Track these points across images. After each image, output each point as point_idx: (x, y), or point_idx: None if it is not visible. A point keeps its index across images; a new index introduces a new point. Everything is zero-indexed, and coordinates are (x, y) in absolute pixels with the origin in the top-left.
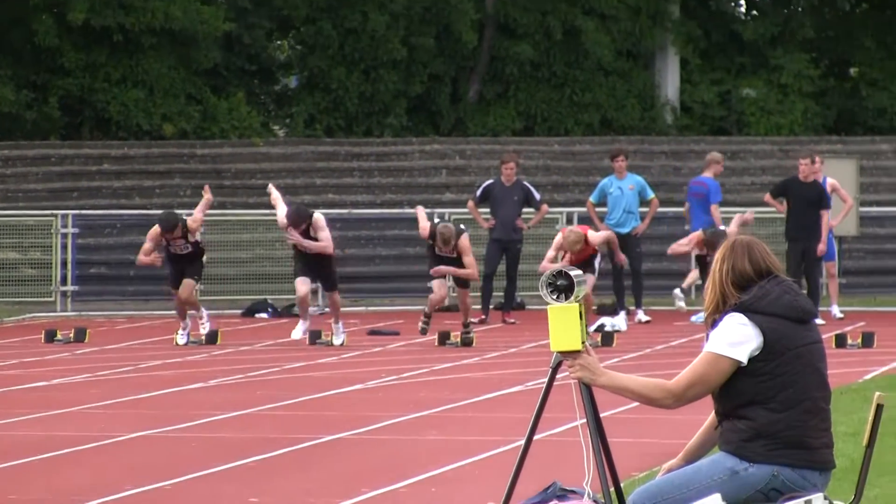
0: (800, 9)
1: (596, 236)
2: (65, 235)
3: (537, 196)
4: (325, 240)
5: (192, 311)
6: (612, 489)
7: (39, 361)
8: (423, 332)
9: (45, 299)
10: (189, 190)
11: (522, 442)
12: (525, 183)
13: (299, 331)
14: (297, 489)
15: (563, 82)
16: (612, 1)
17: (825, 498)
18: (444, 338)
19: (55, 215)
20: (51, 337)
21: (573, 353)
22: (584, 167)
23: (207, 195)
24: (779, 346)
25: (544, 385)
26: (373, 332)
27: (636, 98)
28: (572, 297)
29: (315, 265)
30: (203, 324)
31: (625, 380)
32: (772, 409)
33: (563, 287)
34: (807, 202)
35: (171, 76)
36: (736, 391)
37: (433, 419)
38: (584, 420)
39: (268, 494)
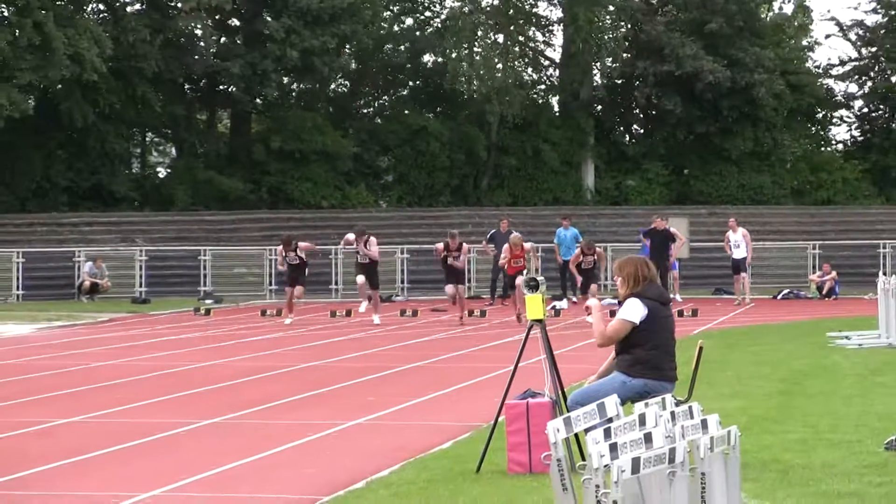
0: (657, 138)
1: (528, 244)
2: (270, 260)
3: None
4: (375, 252)
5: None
6: (560, 391)
7: (258, 326)
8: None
9: (260, 293)
10: (335, 237)
11: (512, 367)
12: (512, 230)
13: (363, 306)
14: (399, 392)
15: (532, 178)
16: (558, 135)
17: (672, 396)
18: (471, 313)
19: (266, 249)
20: (263, 313)
21: (538, 321)
22: (544, 223)
23: (310, 246)
24: (653, 316)
25: (523, 337)
26: (434, 310)
27: (572, 186)
28: (538, 291)
29: (367, 270)
30: (287, 321)
31: (596, 320)
32: (645, 349)
33: (534, 285)
34: (661, 241)
35: (326, 175)
36: (629, 339)
37: (466, 356)
38: (545, 355)
39: (382, 395)
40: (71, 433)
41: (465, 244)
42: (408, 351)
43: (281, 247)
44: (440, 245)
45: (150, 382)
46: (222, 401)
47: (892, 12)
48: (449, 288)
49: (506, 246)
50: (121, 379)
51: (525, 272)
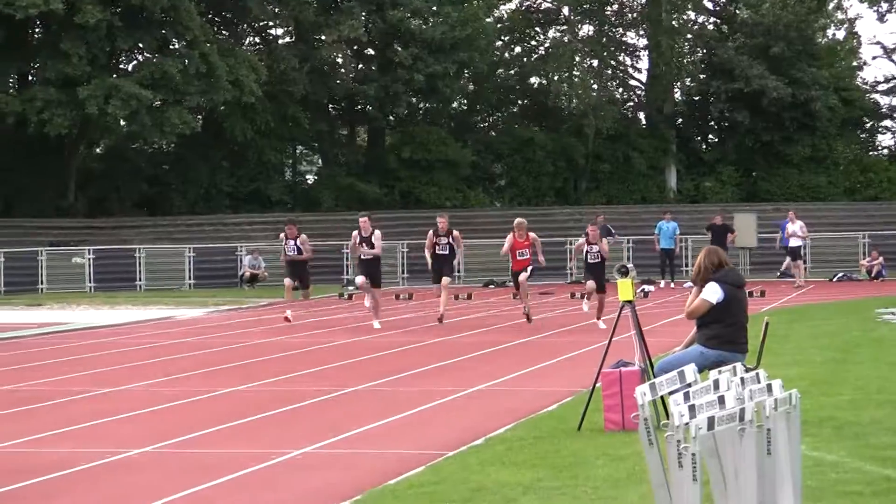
0: (729, 146)
1: (535, 237)
2: (403, 252)
3: (613, 231)
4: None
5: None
6: (647, 361)
7: (392, 308)
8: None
9: (394, 280)
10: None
11: (607, 341)
12: (608, 225)
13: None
14: (512, 363)
15: (624, 180)
16: (645, 144)
17: (743, 364)
18: (573, 295)
19: (399, 242)
20: (397, 297)
21: (629, 301)
22: (632, 220)
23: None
24: (730, 297)
25: (616, 316)
26: (542, 293)
27: (657, 187)
28: (629, 277)
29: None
30: (287, 315)
31: (691, 298)
32: (722, 325)
33: (624, 272)
34: (720, 233)
35: (449, 180)
36: (709, 315)
37: (568, 332)
38: (635, 331)
39: (498, 366)
40: (236, 400)
41: (455, 231)
42: (519, 328)
43: (284, 232)
44: (430, 231)
45: (301, 357)
46: (362, 371)
47: None
48: (445, 279)
49: (509, 236)
50: (277, 354)
51: (529, 268)
